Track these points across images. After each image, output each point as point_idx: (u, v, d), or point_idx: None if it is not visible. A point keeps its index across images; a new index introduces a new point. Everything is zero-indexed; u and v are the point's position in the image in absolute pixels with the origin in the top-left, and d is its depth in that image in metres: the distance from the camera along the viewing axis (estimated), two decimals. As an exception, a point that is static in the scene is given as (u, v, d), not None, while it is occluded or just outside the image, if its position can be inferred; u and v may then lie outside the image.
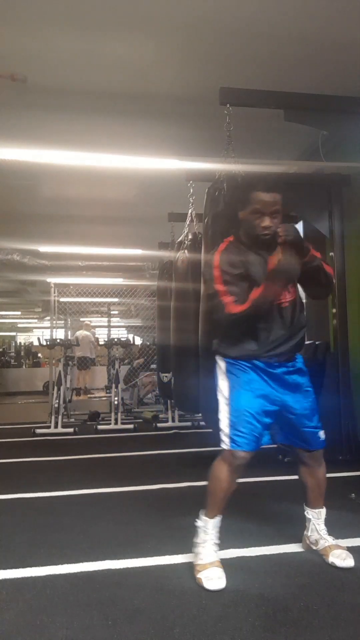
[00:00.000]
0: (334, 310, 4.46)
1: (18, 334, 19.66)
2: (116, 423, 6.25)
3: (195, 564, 2.05)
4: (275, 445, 4.50)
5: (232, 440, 2.06)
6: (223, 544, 2.31)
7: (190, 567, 2.15)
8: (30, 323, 18.47)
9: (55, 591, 1.96)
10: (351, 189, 4.44)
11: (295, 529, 2.53)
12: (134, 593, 1.93)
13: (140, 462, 4.42)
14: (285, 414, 2.17)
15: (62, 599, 1.90)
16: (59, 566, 2.17)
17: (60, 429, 6.08)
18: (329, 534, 2.24)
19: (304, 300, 2.31)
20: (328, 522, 2.62)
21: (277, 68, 3.68)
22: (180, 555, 2.25)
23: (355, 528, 2.55)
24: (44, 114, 4.29)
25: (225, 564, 2.16)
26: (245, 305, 2.00)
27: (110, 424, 6.28)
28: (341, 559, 2.13)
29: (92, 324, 12.54)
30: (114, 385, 6.75)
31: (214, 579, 1.95)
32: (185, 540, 2.40)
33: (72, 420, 6.98)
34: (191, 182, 4.38)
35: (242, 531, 2.51)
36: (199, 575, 1.99)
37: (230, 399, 2.11)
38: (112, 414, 6.39)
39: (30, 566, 2.18)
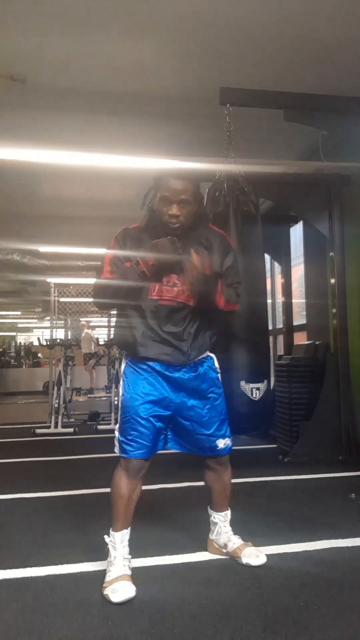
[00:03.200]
0: (334, 310, 4.46)
1: (18, 334, 19.66)
2: (116, 423, 6.24)
3: (104, 581, 1.93)
4: (275, 446, 4.53)
5: (122, 448, 2.02)
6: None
7: (190, 568, 2.15)
8: (30, 323, 18.47)
9: (55, 591, 1.96)
10: (351, 189, 4.44)
11: (295, 529, 2.53)
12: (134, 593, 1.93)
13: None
14: (180, 420, 2.08)
15: (62, 599, 1.89)
16: (59, 566, 2.17)
17: (60, 429, 6.09)
18: (241, 536, 2.22)
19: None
20: (328, 522, 2.63)
21: (277, 68, 3.68)
22: (180, 555, 2.25)
23: (355, 528, 2.55)
24: (44, 114, 4.29)
25: (226, 563, 2.17)
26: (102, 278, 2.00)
27: (110, 424, 6.28)
28: (254, 557, 2.13)
29: (92, 324, 12.54)
30: (114, 385, 6.75)
31: (119, 591, 1.85)
32: (185, 541, 2.41)
33: (72, 420, 6.98)
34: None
35: (242, 531, 2.50)
36: (105, 592, 1.87)
37: (123, 402, 2.06)
38: (112, 414, 6.39)
39: (30, 566, 2.18)
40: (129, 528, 2.03)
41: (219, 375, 2.18)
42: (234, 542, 2.20)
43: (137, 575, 2.00)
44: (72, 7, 3.04)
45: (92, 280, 9.04)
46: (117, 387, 6.57)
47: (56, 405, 6.25)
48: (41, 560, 2.24)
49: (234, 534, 2.24)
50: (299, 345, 5.21)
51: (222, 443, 2.12)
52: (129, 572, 1.96)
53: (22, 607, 1.84)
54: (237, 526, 2.54)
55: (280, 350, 6.75)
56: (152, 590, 1.95)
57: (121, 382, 2.12)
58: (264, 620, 1.71)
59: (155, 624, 1.71)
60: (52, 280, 8.02)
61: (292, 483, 3.51)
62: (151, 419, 2.02)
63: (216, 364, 2.18)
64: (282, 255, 6.34)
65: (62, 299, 8.45)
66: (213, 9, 3.07)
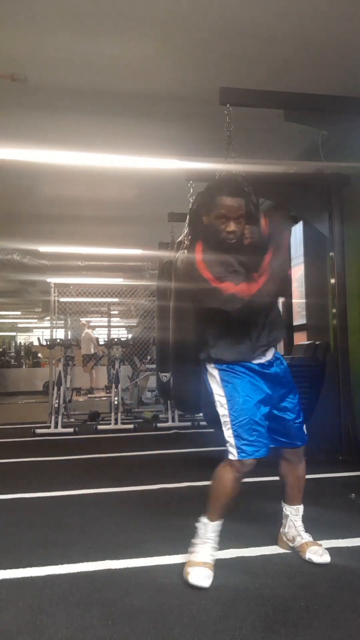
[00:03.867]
0: (334, 310, 4.46)
1: (18, 334, 19.66)
2: (116, 423, 6.25)
3: (188, 559, 2.04)
4: (275, 446, 4.52)
5: (241, 450, 2.03)
6: (223, 544, 2.31)
7: (190, 567, 2.15)
8: (30, 323, 18.47)
9: (55, 591, 1.96)
10: (351, 189, 4.44)
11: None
12: (134, 593, 1.93)
13: (140, 462, 4.42)
14: (276, 412, 2.16)
15: (62, 599, 1.90)
16: (59, 566, 2.17)
17: (60, 429, 6.09)
18: (307, 531, 2.27)
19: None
20: (328, 522, 2.63)
21: (277, 68, 3.68)
22: (180, 555, 2.24)
23: (355, 528, 2.55)
24: (44, 114, 4.29)
25: (226, 563, 2.17)
26: (254, 286, 1.94)
27: (110, 424, 6.28)
28: (318, 555, 2.16)
29: (92, 324, 12.56)
30: (114, 385, 6.75)
31: (200, 576, 1.95)
32: (186, 540, 2.40)
33: (72, 420, 6.98)
34: (191, 182, 4.38)
35: (243, 531, 2.51)
36: (188, 569, 1.98)
37: (230, 408, 2.07)
38: (112, 414, 6.39)
39: (30, 566, 2.18)
40: (222, 520, 2.10)
41: None
42: (303, 537, 2.25)
43: (137, 575, 2.00)
44: (72, 7, 3.04)
45: (92, 280, 9.07)
46: (117, 387, 6.58)
47: (56, 405, 6.25)
48: (41, 560, 2.24)
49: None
50: (299, 345, 5.21)
51: (305, 430, 2.23)
52: (212, 562, 2.04)
53: (22, 607, 1.84)
54: (238, 526, 2.54)
55: (280, 350, 6.73)
56: (152, 590, 1.95)
57: (218, 391, 2.12)
58: (264, 620, 1.71)
59: (156, 624, 1.71)
60: (52, 280, 8.02)
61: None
62: (264, 420, 2.09)
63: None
64: (282, 255, 6.33)
65: (62, 299, 8.46)
66: (213, 9, 3.07)
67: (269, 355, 2.15)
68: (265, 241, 2.04)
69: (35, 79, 3.76)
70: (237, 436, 2.05)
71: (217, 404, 2.12)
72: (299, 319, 6.20)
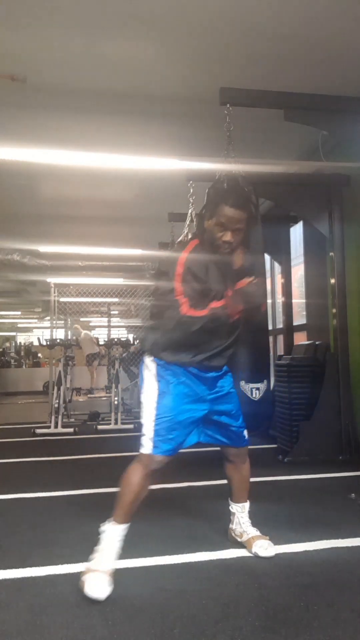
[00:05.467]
0: (334, 310, 4.46)
1: (18, 334, 19.66)
2: (116, 423, 6.26)
3: (87, 567, 1.95)
4: (275, 446, 4.53)
5: (156, 445, 2.05)
6: (223, 544, 2.32)
7: (191, 567, 2.15)
8: (30, 323, 18.46)
9: (55, 591, 1.96)
10: (351, 189, 4.44)
11: (296, 529, 2.53)
12: (134, 593, 1.93)
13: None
14: (214, 415, 2.20)
15: (62, 599, 1.89)
16: (59, 566, 2.17)
17: (60, 429, 6.09)
18: (253, 526, 2.33)
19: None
20: (328, 522, 2.63)
21: (277, 68, 3.68)
22: (180, 555, 2.25)
23: (355, 528, 2.55)
24: (44, 114, 4.29)
25: (226, 563, 2.17)
26: (203, 312, 1.99)
27: (110, 424, 6.28)
28: (263, 549, 2.22)
29: (92, 324, 12.56)
30: (114, 385, 6.75)
31: (96, 587, 1.87)
32: (186, 540, 2.41)
33: (72, 420, 6.98)
34: (191, 182, 4.38)
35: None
36: (83, 578, 1.90)
37: (158, 403, 2.09)
38: (112, 414, 6.39)
39: (30, 566, 2.18)
40: (128, 524, 2.05)
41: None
42: (250, 532, 2.30)
43: (137, 575, 2.00)
44: (73, 7, 3.04)
45: (92, 280, 9.07)
46: (117, 387, 6.58)
47: (56, 405, 6.25)
48: (41, 560, 2.24)
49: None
50: (299, 345, 5.21)
51: (246, 433, 2.29)
52: (112, 568, 1.96)
53: (22, 607, 1.84)
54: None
55: (280, 350, 6.75)
56: (152, 590, 1.95)
57: (151, 384, 2.13)
58: (264, 620, 1.71)
59: (155, 624, 1.71)
60: (52, 280, 8.02)
61: (292, 483, 3.51)
62: (185, 419, 2.10)
63: None
64: (282, 255, 6.35)
65: (62, 299, 8.45)
66: (213, 9, 3.07)
67: (217, 367, 2.18)
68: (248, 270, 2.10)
69: (35, 79, 3.76)
70: (156, 431, 2.06)
71: (144, 396, 2.13)
72: (299, 319, 6.20)
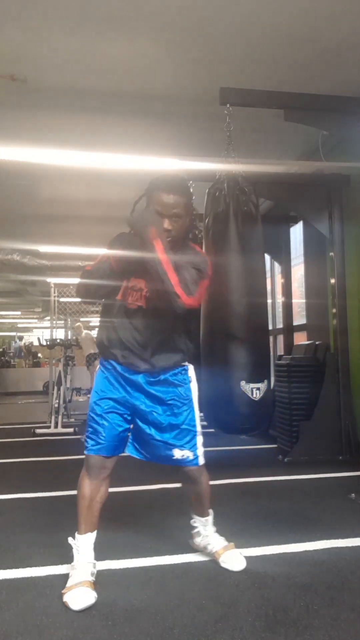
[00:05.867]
0: (334, 310, 4.46)
1: (18, 333, 19.66)
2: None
3: (66, 586, 1.89)
4: (275, 446, 4.53)
5: (86, 443, 2.02)
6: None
7: (190, 568, 2.15)
8: (30, 323, 18.46)
9: (55, 591, 1.95)
10: (351, 189, 4.44)
11: (295, 529, 2.53)
12: (134, 593, 1.93)
13: (140, 462, 4.40)
14: (139, 423, 2.06)
15: (62, 599, 1.89)
16: (59, 566, 2.17)
17: (60, 429, 6.09)
18: (221, 536, 2.22)
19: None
20: (328, 522, 2.63)
21: (277, 68, 3.68)
22: (180, 555, 2.25)
23: (355, 528, 2.55)
24: (44, 114, 4.29)
25: (225, 564, 2.17)
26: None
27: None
28: (231, 564, 2.10)
29: (92, 324, 12.53)
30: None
31: (77, 598, 1.82)
32: (185, 541, 2.40)
33: (72, 420, 6.98)
34: (191, 182, 4.37)
35: (242, 531, 2.51)
36: (64, 599, 1.84)
37: (91, 398, 2.07)
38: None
39: (30, 566, 2.18)
40: (95, 532, 2.00)
41: (190, 384, 2.11)
42: (213, 545, 2.19)
43: (137, 575, 2.00)
44: (72, 7, 3.04)
45: (92, 281, 9.04)
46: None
47: (56, 405, 6.25)
48: (41, 560, 2.24)
49: (221, 535, 2.23)
50: (299, 345, 5.21)
51: (179, 453, 2.04)
52: (90, 578, 1.91)
53: (22, 607, 1.84)
54: (237, 526, 2.55)
55: (280, 350, 6.74)
56: (152, 590, 1.95)
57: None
58: (264, 620, 1.71)
59: (155, 624, 1.71)
60: (52, 280, 8.02)
61: (292, 483, 3.51)
62: (107, 416, 2.01)
63: (189, 373, 2.12)
64: (282, 255, 6.34)
65: (62, 299, 8.45)
66: (213, 10, 3.07)
67: (141, 368, 2.01)
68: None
69: (35, 79, 3.76)
70: (87, 427, 2.05)
71: None
72: (299, 319, 6.20)
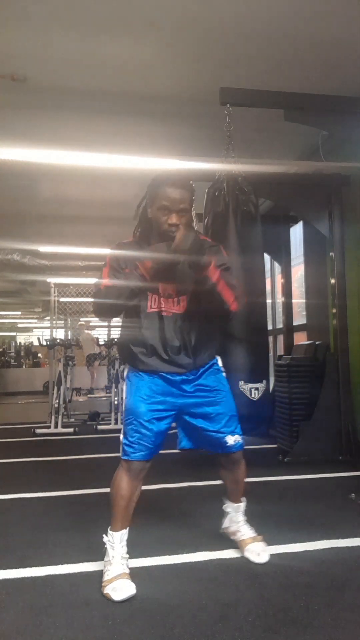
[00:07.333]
0: (334, 310, 4.46)
1: (18, 334, 19.66)
2: (116, 423, 6.25)
3: (103, 580, 1.95)
4: (275, 446, 4.52)
5: (123, 450, 2.03)
6: (223, 544, 2.31)
7: (191, 567, 2.15)
8: (30, 323, 18.47)
9: (55, 591, 1.96)
10: (351, 189, 4.44)
11: (295, 529, 2.53)
12: (134, 593, 1.92)
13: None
14: (188, 418, 2.12)
15: (62, 599, 1.90)
16: (59, 566, 2.17)
17: (60, 429, 6.09)
18: (250, 528, 2.29)
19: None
20: (328, 522, 2.63)
21: (277, 68, 3.68)
22: (180, 555, 2.25)
23: (355, 528, 2.55)
24: (44, 114, 4.29)
25: (225, 564, 2.17)
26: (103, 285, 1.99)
27: (110, 424, 6.28)
28: (255, 554, 2.17)
29: (92, 324, 12.54)
30: (113, 385, 6.75)
31: (119, 589, 1.87)
32: (185, 541, 2.41)
33: (72, 420, 6.98)
34: (191, 182, 4.37)
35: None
36: (105, 591, 1.89)
37: (126, 405, 2.07)
38: (112, 414, 6.39)
39: (30, 566, 2.18)
40: (128, 528, 2.05)
41: (223, 374, 2.21)
42: (243, 532, 2.26)
43: (137, 575, 2.00)
44: (73, 7, 3.04)
45: (92, 280, 9.07)
46: (117, 387, 6.58)
47: (56, 405, 6.25)
48: (41, 560, 2.24)
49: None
50: (299, 345, 5.20)
51: (231, 440, 2.14)
52: (127, 571, 1.97)
53: (22, 607, 1.84)
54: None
55: (280, 350, 6.74)
56: (152, 590, 1.95)
57: (124, 386, 2.13)
58: (264, 620, 1.71)
59: (155, 624, 1.71)
60: (52, 280, 8.02)
61: (292, 483, 3.51)
62: (155, 422, 2.04)
63: (220, 363, 2.22)
64: (282, 255, 6.34)
65: (62, 299, 8.46)
66: (213, 9, 3.07)
67: (182, 370, 2.06)
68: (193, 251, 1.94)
69: (35, 79, 3.76)
70: (124, 435, 2.05)
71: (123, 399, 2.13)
72: (299, 319, 6.20)
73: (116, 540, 2.01)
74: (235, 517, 2.30)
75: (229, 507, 2.33)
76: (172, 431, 2.16)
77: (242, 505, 2.32)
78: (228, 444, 2.14)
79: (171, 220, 1.98)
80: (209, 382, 2.13)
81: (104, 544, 2.03)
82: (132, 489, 2.03)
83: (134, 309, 2.06)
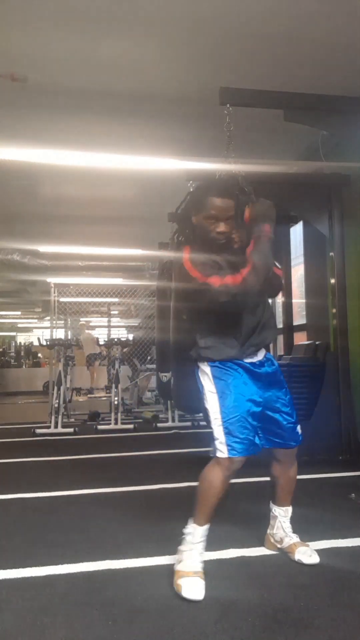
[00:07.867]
0: (334, 310, 4.46)
1: (18, 334, 19.66)
2: (116, 423, 6.25)
3: (177, 569, 1.95)
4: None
5: (231, 448, 2.02)
6: (223, 544, 2.31)
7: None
8: (30, 323, 18.47)
9: (55, 591, 1.96)
10: (351, 189, 4.44)
11: (295, 529, 2.53)
12: (134, 593, 1.92)
13: (140, 462, 4.42)
14: (269, 412, 2.14)
15: (62, 599, 1.89)
16: (59, 566, 2.17)
17: (60, 429, 6.09)
18: (294, 532, 2.25)
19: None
20: (328, 522, 2.63)
21: (277, 68, 3.68)
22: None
23: (355, 528, 2.55)
24: (44, 114, 4.29)
25: (226, 563, 2.17)
26: (237, 277, 1.93)
27: (110, 424, 6.28)
28: (307, 555, 2.15)
29: (92, 324, 12.55)
30: (114, 385, 6.75)
31: (194, 589, 1.87)
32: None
33: (72, 420, 6.98)
34: (191, 182, 4.38)
35: (243, 531, 2.51)
36: (179, 582, 1.90)
37: (222, 405, 2.06)
38: (112, 414, 6.39)
39: (30, 566, 2.18)
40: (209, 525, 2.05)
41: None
42: (292, 538, 2.23)
43: (137, 575, 2.00)
44: (72, 7, 3.04)
45: (92, 280, 9.07)
46: (117, 387, 6.58)
47: (56, 405, 6.25)
48: (41, 560, 2.24)
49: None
50: (299, 345, 5.21)
51: (299, 429, 2.20)
52: (202, 569, 1.97)
53: (22, 607, 1.84)
54: (238, 526, 2.54)
55: (280, 350, 6.74)
56: (152, 589, 1.95)
57: (210, 388, 2.10)
58: (264, 620, 1.71)
59: (156, 624, 1.71)
60: (52, 280, 8.02)
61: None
62: (252, 416, 2.07)
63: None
64: (282, 255, 6.34)
65: (62, 299, 8.46)
66: (213, 10, 3.07)
67: (260, 356, 2.14)
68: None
69: (35, 79, 3.76)
70: (227, 433, 2.03)
71: (207, 401, 2.10)
72: (299, 319, 6.20)
73: (199, 535, 2.01)
74: (284, 523, 2.25)
75: (276, 510, 2.26)
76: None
77: (290, 509, 2.27)
78: (300, 433, 2.19)
79: (220, 228, 2.04)
80: (278, 371, 2.20)
81: (183, 534, 2.04)
82: (225, 487, 2.05)
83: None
